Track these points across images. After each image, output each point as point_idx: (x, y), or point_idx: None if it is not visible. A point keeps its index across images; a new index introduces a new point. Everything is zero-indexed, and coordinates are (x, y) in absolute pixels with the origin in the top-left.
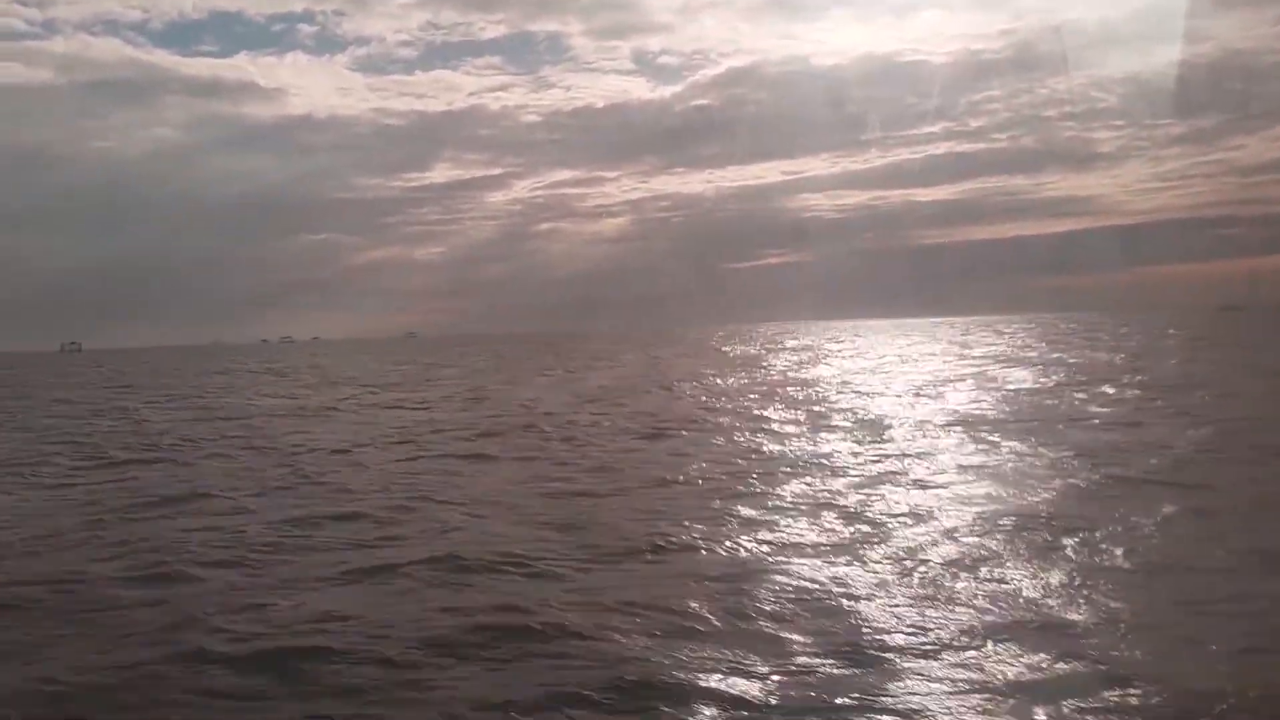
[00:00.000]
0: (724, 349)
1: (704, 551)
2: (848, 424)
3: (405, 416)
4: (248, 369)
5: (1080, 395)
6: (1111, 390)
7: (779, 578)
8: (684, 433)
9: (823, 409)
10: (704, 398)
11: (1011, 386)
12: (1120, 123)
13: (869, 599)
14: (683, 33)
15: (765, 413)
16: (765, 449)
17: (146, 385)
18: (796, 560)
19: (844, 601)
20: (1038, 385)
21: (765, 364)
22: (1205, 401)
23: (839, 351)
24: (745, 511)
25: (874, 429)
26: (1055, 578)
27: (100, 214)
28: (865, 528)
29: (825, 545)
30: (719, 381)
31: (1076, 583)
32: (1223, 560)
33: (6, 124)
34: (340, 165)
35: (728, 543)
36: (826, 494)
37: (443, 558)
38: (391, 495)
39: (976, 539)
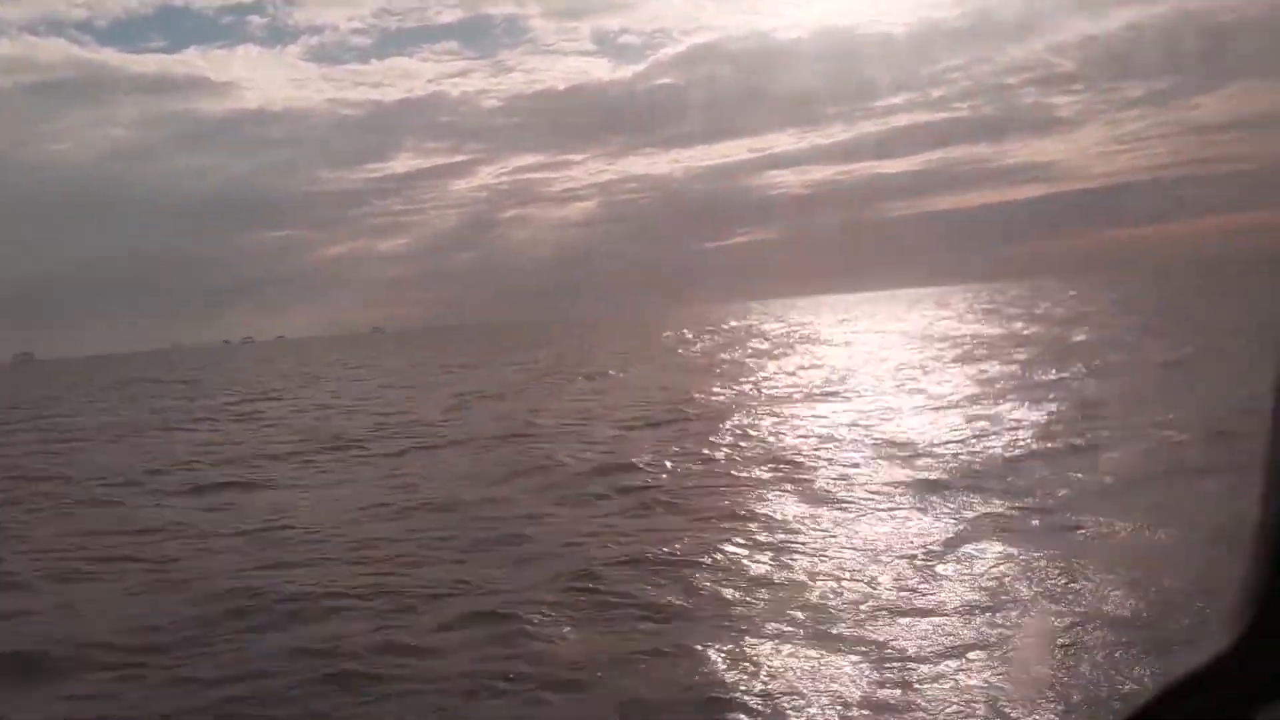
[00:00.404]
0: (665, 334)
1: (310, 623)
2: (676, 418)
3: (242, 432)
4: (161, 379)
5: (966, 371)
6: (997, 366)
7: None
8: (508, 440)
9: (668, 407)
10: (582, 396)
11: (890, 365)
12: (1078, 87)
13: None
14: (643, 11)
15: (618, 413)
16: (561, 460)
17: (32, 404)
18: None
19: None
20: (919, 364)
21: (680, 350)
22: (1078, 376)
23: (769, 333)
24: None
25: (708, 428)
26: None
27: (56, 218)
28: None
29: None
30: (616, 373)
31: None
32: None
33: None
34: (298, 159)
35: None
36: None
37: (18, 654)
38: (76, 553)
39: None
